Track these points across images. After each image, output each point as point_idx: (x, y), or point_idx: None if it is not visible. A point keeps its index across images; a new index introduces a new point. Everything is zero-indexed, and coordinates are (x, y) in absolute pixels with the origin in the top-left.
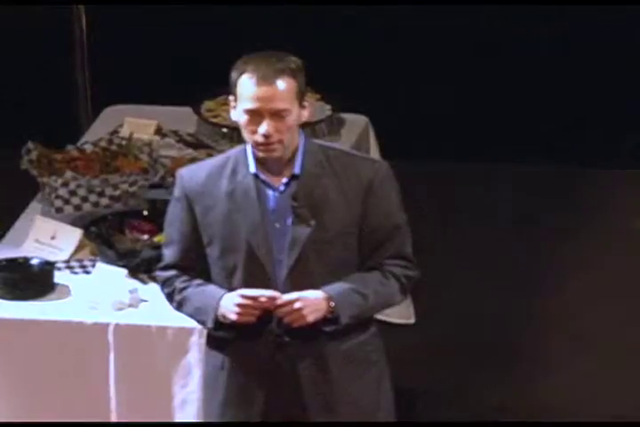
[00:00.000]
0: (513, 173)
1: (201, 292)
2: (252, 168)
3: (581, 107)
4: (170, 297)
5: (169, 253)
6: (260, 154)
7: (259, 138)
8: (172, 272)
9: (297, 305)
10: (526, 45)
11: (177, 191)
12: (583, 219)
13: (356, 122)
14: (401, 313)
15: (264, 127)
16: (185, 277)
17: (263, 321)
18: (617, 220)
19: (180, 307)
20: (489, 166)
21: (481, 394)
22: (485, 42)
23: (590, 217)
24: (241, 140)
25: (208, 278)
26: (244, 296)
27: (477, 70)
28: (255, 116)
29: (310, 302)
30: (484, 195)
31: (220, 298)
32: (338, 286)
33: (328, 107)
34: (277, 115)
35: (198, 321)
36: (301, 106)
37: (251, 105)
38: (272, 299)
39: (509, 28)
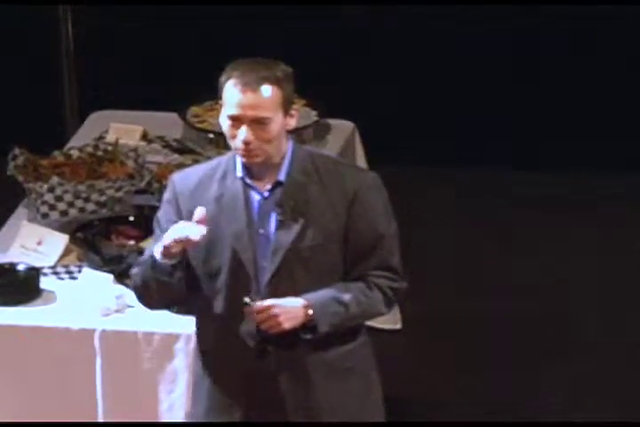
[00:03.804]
0: (497, 179)
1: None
2: (240, 172)
3: (571, 115)
4: (134, 285)
5: (148, 252)
6: (242, 159)
7: (238, 144)
8: None
9: (273, 312)
10: (511, 52)
11: (167, 194)
12: (566, 224)
13: (342, 127)
14: (387, 318)
15: (243, 134)
16: None
17: (246, 328)
18: (602, 225)
19: (136, 277)
20: (472, 172)
21: (468, 398)
22: (472, 50)
23: (574, 223)
24: (227, 146)
25: (188, 282)
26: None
27: (465, 77)
28: (237, 122)
29: (287, 309)
30: (468, 201)
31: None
32: (318, 294)
33: (314, 112)
34: (258, 122)
35: (150, 268)
36: (287, 114)
37: (232, 111)
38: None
39: (498, 33)
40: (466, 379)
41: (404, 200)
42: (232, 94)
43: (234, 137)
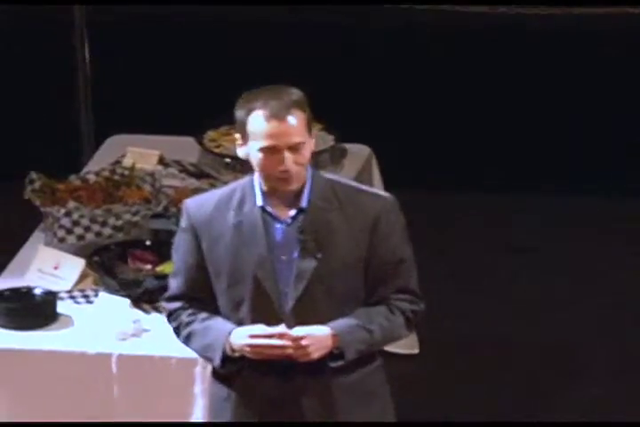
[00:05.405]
0: (511, 202)
1: (207, 328)
2: (260, 201)
3: (572, 137)
4: (177, 331)
5: (175, 284)
6: (279, 188)
7: (278, 173)
8: (177, 304)
9: (304, 342)
10: (521, 79)
11: (183, 222)
12: (579, 246)
13: (358, 152)
14: (405, 343)
15: (286, 163)
16: (191, 311)
17: None
18: (614, 248)
19: (187, 342)
20: (489, 196)
21: (486, 421)
22: (484, 73)
23: (587, 244)
24: (243, 171)
25: (215, 309)
26: (253, 336)
27: (478, 101)
28: (272, 152)
29: (317, 339)
30: (484, 223)
31: (229, 334)
32: (344, 323)
33: (331, 137)
34: (294, 149)
35: (205, 358)
36: (311, 136)
37: (267, 142)
38: (280, 336)
39: (505, 58)
40: (485, 403)
41: (419, 224)
42: (260, 126)
43: (270, 168)
